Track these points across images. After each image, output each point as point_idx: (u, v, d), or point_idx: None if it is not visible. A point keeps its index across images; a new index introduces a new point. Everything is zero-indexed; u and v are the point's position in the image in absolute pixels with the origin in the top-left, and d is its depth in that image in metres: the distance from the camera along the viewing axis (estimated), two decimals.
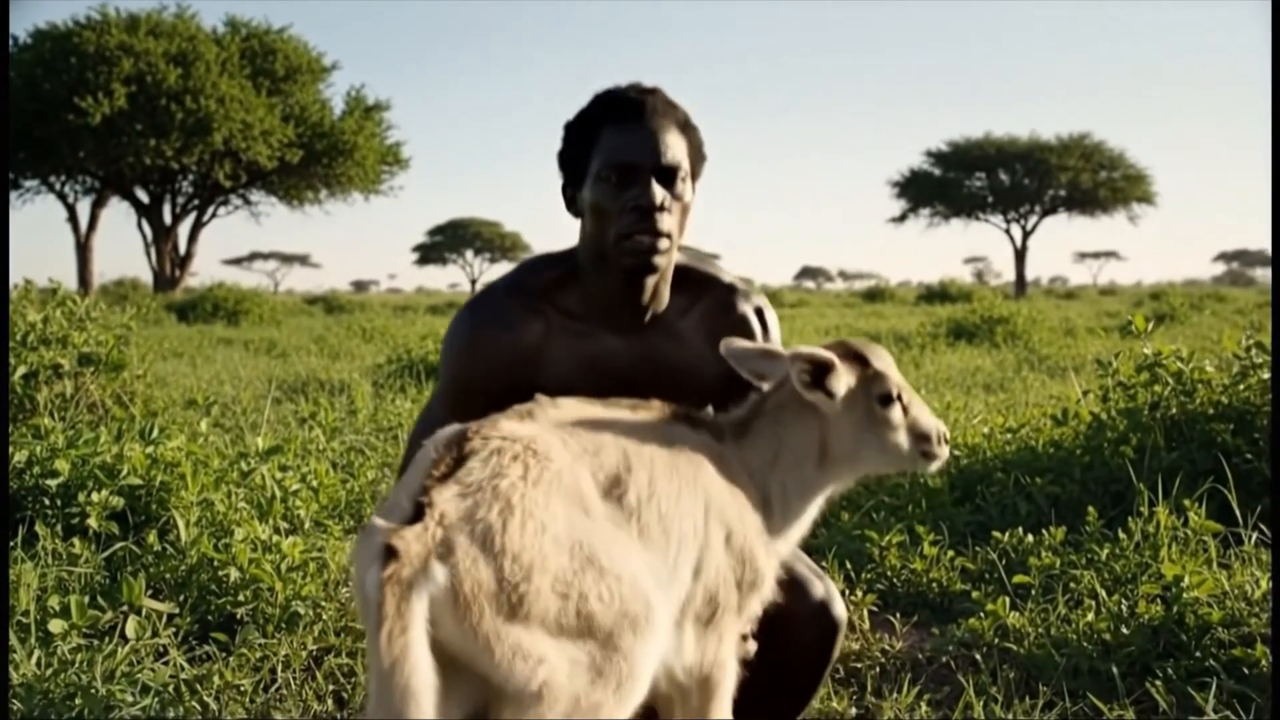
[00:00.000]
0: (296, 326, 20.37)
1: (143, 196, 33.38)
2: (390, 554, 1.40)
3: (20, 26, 29.68)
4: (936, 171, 54.71)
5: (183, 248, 34.21)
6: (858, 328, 17.88)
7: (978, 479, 4.51)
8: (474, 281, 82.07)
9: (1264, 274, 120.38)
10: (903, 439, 1.97)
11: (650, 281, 2.03)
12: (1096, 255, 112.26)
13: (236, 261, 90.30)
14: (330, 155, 32.03)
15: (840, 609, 2.19)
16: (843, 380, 1.93)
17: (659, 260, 1.98)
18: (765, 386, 2.00)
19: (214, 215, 34.60)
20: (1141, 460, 4.16)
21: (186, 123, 29.09)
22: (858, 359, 1.97)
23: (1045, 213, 54.65)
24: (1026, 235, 55.01)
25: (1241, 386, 4.32)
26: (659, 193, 1.95)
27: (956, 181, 54.29)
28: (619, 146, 1.96)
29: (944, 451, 2.00)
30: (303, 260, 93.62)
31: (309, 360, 11.56)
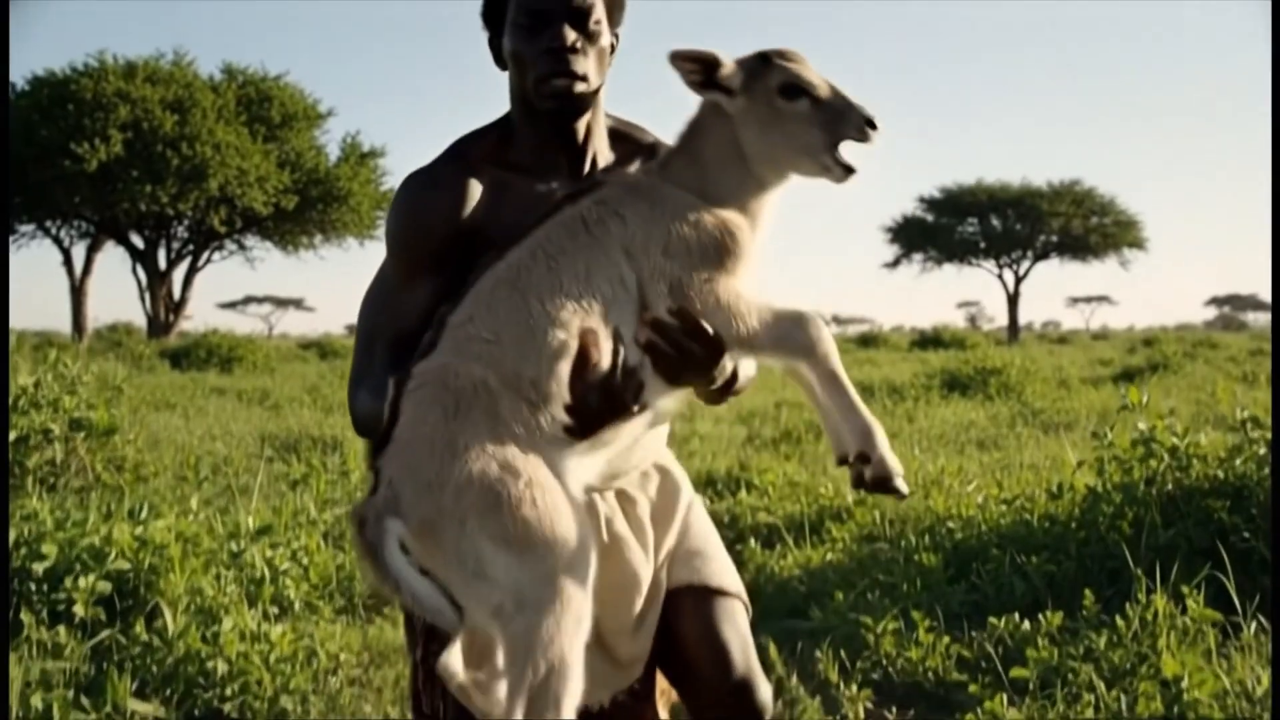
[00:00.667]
0: (290, 374, 20.29)
1: (137, 242, 33.44)
2: (361, 523, 1.66)
3: (19, 74, 29.90)
4: (929, 217, 55.08)
5: (177, 293, 34.21)
6: (852, 376, 17.81)
7: (973, 554, 4.48)
8: None
9: (1255, 318, 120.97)
10: (815, 134, 1.84)
11: (581, 124, 2.02)
12: (1089, 299, 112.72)
13: (231, 305, 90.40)
14: (325, 201, 32.14)
15: (765, 694, 1.94)
16: (735, 75, 1.87)
17: (578, 100, 1.97)
18: None
19: (208, 260, 34.65)
20: (1138, 536, 4.14)
21: (182, 169, 29.20)
22: (760, 56, 1.89)
23: (1037, 258, 54.94)
24: (1019, 280, 55.26)
25: (1238, 461, 4.31)
26: (570, 34, 1.94)
27: (949, 227, 54.64)
28: None
29: (874, 137, 1.84)
30: (297, 304, 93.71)
31: (302, 413, 11.50)
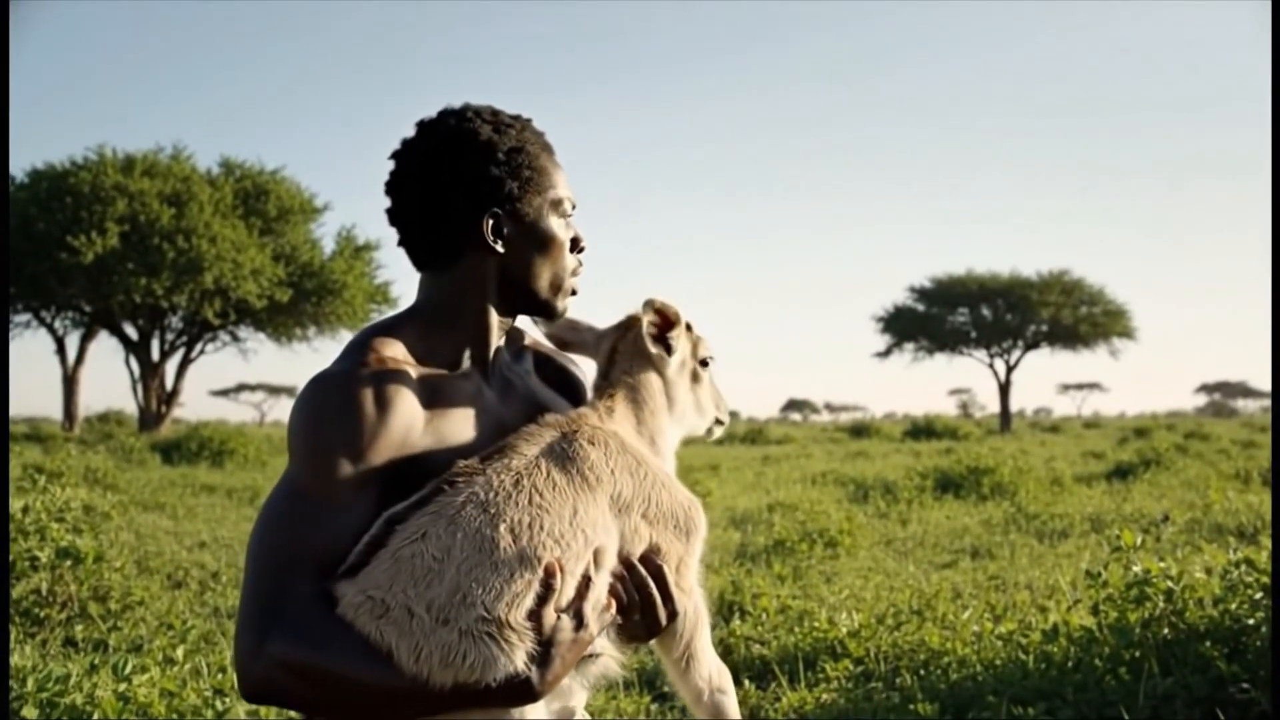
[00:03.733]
0: (280, 468, 20.10)
1: (131, 333, 33.55)
2: None
3: (18, 166, 30.25)
4: (920, 307, 55.53)
5: (170, 383, 34.24)
6: (844, 473, 17.83)
7: (969, 699, 4.43)
8: None
9: (1244, 404, 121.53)
10: (715, 400, 2.10)
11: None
12: (1080, 386, 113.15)
13: (224, 392, 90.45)
14: (319, 294, 32.39)
15: None
16: (682, 338, 1.99)
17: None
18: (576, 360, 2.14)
19: (201, 351, 34.77)
20: (1136, 682, 4.10)
21: (178, 262, 29.45)
22: (686, 327, 2.03)
23: (1028, 347, 55.28)
24: (1010, 369, 55.52)
25: (1233, 605, 4.29)
26: None
27: (940, 317, 55.07)
28: (563, 182, 1.89)
29: (725, 422, 2.13)
30: (290, 392, 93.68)
31: None
